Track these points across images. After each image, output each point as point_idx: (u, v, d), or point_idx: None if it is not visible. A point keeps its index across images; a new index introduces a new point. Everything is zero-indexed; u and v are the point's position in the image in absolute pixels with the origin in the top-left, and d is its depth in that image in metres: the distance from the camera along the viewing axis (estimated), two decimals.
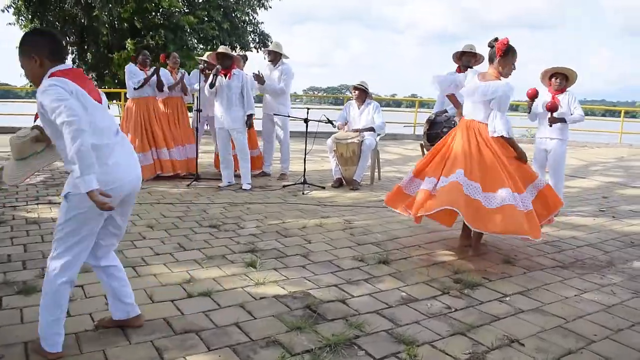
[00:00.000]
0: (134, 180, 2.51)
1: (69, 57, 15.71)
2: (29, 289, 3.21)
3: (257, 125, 7.72)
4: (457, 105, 5.18)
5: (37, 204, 5.63)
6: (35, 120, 2.62)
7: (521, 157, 4.12)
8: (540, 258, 4.21)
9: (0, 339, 2.60)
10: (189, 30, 14.33)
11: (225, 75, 6.63)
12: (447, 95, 5.45)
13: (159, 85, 7.08)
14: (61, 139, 2.18)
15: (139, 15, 13.52)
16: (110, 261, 2.70)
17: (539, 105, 5.54)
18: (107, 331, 2.71)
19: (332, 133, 7.39)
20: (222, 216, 5.28)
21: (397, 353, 2.54)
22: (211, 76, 6.65)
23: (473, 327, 2.85)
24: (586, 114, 6.09)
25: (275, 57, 7.41)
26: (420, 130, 9.39)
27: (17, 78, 15.58)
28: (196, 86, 7.31)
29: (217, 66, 6.65)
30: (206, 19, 15.09)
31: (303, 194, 6.52)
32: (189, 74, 7.91)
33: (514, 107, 23.09)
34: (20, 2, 14.50)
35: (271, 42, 17.33)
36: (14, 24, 15.14)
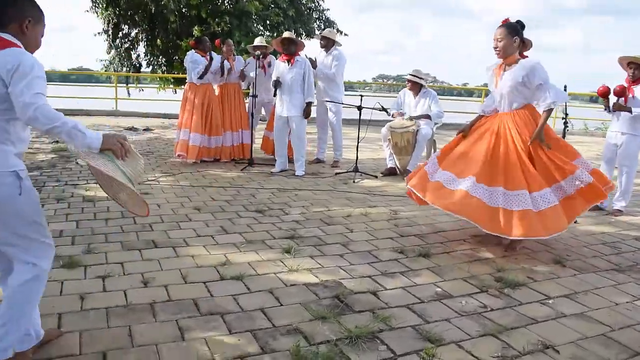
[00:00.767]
0: None
1: (141, 43, 16.26)
2: (73, 263, 3.35)
3: (313, 111, 7.71)
4: None
5: (95, 183, 5.86)
6: None
7: (538, 136, 3.88)
8: (596, 260, 3.95)
9: (39, 308, 2.72)
10: (254, 17, 14.45)
11: (288, 61, 6.64)
12: None
13: (221, 72, 7.22)
14: None
15: (206, 2, 13.75)
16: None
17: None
18: (135, 308, 2.77)
19: (387, 121, 7.25)
20: (269, 201, 5.31)
21: (420, 350, 2.45)
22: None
23: (507, 329, 2.71)
24: None
25: (328, 43, 7.34)
26: None
27: (96, 63, 16.13)
28: (252, 74, 7.37)
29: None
30: (272, 5, 15.15)
31: (354, 182, 6.45)
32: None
33: (594, 99, 21.91)
34: None
35: (336, 29, 17.30)
36: (90, 11, 15.83)
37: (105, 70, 16.74)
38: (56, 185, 5.62)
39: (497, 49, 3.92)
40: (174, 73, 16.14)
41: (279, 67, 6.76)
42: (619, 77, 5.33)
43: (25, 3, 2.14)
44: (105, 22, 15.90)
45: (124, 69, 16.57)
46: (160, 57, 15.96)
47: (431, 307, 2.96)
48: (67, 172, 6.39)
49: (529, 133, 3.90)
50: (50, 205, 4.82)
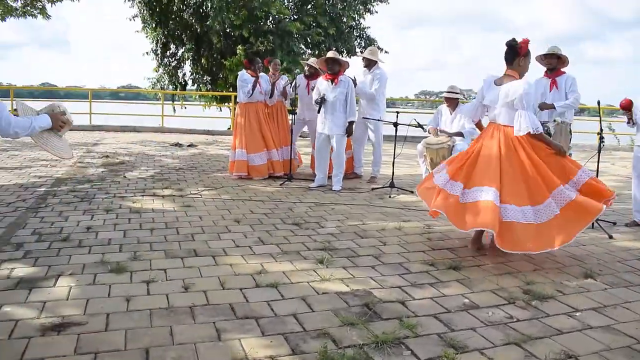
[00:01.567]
0: None
1: (187, 62, 16.88)
2: (120, 269, 3.59)
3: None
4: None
5: (142, 195, 6.19)
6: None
7: (559, 151, 4.16)
8: (629, 275, 3.94)
9: (88, 308, 2.96)
10: (296, 36, 14.83)
11: (332, 81, 6.85)
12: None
13: (272, 93, 7.53)
14: None
15: (250, 22, 14.21)
16: None
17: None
18: (177, 310, 2.97)
19: (424, 137, 7.35)
20: (306, 215, 5.48)
21: (443, 356, 2.55)
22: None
23: (531, 338, 2.77)
24: None
25: (370, 63, 7.53)
26: None
27: (144, 81, 16.88)
28: (289, 88, 7.64)
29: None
30: (313, 24, 15.51)
31: (389, 197, 6.57)
32: (293, 78, 8.30)
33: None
34: (145, 12, 15.85)
35: (377, 47, 17.50)
36: (141, 32, 16.59)
37: (153, 88, 17.42)
38: (105, 198, 5.96)
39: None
40: (218, 91, 16.65)
41: (322, 85, 6.97)
42: None
43: None
44: (154, 41, 16.61)
45: (171, 86, 17.22)
46: (205, 75, 16.52)
47: (458, 316, 3.05)
48: (116, 185, 6.75)
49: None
50: (99, 215, 5.13)
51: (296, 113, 7.63)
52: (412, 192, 6.87)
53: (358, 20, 17.33)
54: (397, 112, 7.03)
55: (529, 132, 4.04)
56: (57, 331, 2.68)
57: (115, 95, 31.42)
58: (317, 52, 15.79)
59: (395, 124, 6.91)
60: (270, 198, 6.28)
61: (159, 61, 17.15)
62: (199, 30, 14.89)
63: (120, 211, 5.34)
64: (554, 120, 5.46)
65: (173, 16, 15.86)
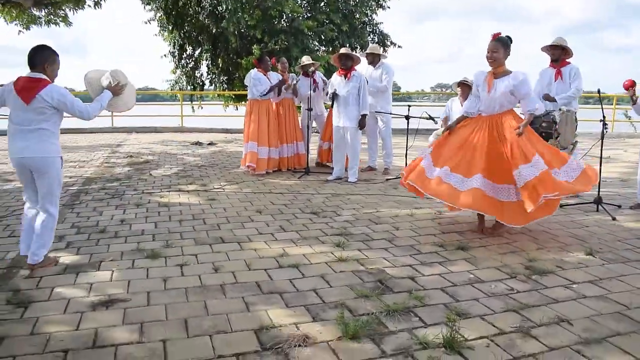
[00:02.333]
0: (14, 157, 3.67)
1: (204, 63, 17.25)
2: (155, 255, 3.96)
3: None
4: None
5: (169, 191, 6.57)
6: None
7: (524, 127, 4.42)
8: (627, 252, 4.19)
9: (130, 287, 3.33)
10: (310, 34, 15.11)
11: (345, 76, 7.16)
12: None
13: (279, 91, 7.85)
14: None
15: (264, 22, 14.53)
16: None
17: None
18: (209, 287, 3.33)
19: (434, 130, 7.62)
20: (323, 205, 5.80)
21: (447, 321, 2.85)
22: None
23: (528, 306, 3.06)
24: None
25: (374, 59, 7.81)
26: None
27: (161, 83, 17.33)
28: (302, 89, 7.97)
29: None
30: (326, 21, 15.77)
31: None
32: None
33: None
34: (162, 16, 16.27)
35: (390, 42, 17.71)
36: (158, 35, 17.03)
37: (171, 89, 17.85)
38: (134, 194, 6.34)
39: (491, 59, 4.44)
40: (234, 90, 17.02)
41: (335, 80, 7.28)
42: None
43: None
44: (171, 44, 17.03)
45: (189, 87, 17.63)
46: (222, 75, 16.89)
47: (462, 289, 3.35)
48: (143, 182, 7.14)
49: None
50: (131, 209, 5.51)
51: (311, 110, 7.93)
52: None
53: (370, 15, 17.55)
54: (409, 106, 7.31)
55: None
56: (106, 306, 3.05)
57: None
58: (330, 49, 16.07)
59: (407, 117, 7.19)
60: (289, 190, 6.61)
61: (177, 63, 17.56)
62: (214, 31, 15.25)
63: (150, 205, 5.72)
64: (560, 109, 5.68)
65: (189, 18, 16.25)
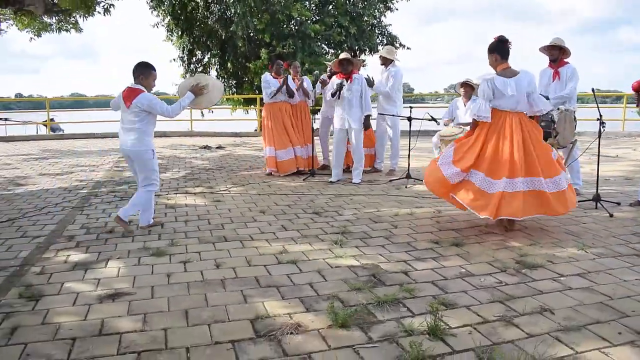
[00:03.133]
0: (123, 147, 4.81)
1: (213, 67, 17.53)
2: (160, 253, 4.14)
3: (373, 124, 8.34)
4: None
5: (176, 193, 6.77)
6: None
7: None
8: (620, 247, 4.28)
9: (135, 282, 3.51)
10: (317, 37, 15.32)
11: (347, 80, 7.32)
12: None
13: (290, 93, 8.01)
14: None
15: (272, 26, 14.76)
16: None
17: None
18: (210, 282, 3.49)
19: (437, 130, 7.74)
20: (325, 205, 5.96)
21: (432, 311, 2.99)
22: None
23: (514, 298, 3.19)
24: None
25: (386, 61, 7.96)
26: None
27: (170, 87, 17.73)
28: (318, 91, 8.17)
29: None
30: (334, 24, 15.96)
31: (406, 187, 6.99)
32: (316, 78, 8.83)
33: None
34: (170, 21, 16.58)
35: (399, 44, 17.84)
36: (166, 40, 17.34)
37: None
38: None
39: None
40: (243, 94, 17.26)
41: (336, 82, 7.42)
42: None
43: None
44: (180, 49, 17.31)
45: None
46: (231, 79, 17.14)
47: (452, 283, 3.49)
48: None
49: (535, 129, 4.68)
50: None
51: (317, 112, 8.10)
52: None
53: (379, 18, 17.71)
54: (411, 107, 7.45)
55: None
56: (112, 299, 3.23)
57: None
58: (338, 52, 16.26)
59: (409, 119, 7.33)
60: (294, 192, 6.77)
61: (186, 67, 17.85)
62: (223, 35, 15.52)
63: (157, 207, 5.89)
64: (558, 109, 5.78)
65: (198, 23, 16.55)
